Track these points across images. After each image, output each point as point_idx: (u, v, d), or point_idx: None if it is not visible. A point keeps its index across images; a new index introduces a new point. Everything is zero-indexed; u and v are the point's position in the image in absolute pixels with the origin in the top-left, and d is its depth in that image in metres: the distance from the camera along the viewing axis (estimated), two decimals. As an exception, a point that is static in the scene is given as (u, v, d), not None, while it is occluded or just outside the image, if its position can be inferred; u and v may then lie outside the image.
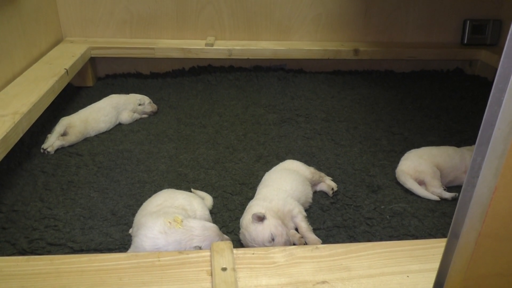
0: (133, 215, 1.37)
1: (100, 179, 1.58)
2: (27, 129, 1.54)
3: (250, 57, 2.49)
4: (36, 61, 2.03)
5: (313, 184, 1.50)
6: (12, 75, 1.83)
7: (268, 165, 1.70)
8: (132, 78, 2.53)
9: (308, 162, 1.71)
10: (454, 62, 2.79)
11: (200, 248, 1.08)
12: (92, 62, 2.45)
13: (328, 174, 1.63)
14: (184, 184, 1.57)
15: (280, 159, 1.74)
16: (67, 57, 2.10)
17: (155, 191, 1.49)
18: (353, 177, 1.63)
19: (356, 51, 2.55)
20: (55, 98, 2.02)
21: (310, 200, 1.43)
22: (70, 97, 2.26)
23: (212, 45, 2.43)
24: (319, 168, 1.68)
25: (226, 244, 0.94)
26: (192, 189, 1.50)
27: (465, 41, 2.72)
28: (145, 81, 2.51)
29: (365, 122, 2.09)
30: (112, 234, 1.30)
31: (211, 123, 2.04)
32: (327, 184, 1.53)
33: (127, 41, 2.46)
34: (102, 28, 2.47)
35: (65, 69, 1.95)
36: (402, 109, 2.26)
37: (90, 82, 2.42)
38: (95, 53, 2.36)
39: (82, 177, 1.58)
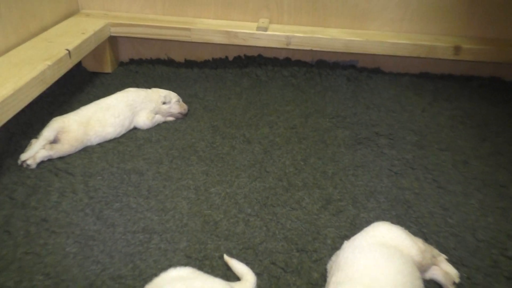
0: (124, 297, 0.84)
1: (87, 219, 1.05)
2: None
3: (313, 48, 1.89)
4: (33, 37, 1.52)
5: (422, 269, 0.91)
6: (-8, 55, 1.33)
7: (341, 216, 1.12)
8: (161, 65, 2.00)
9: (401, 218, 1.12)
10: None
11: None
12: (113, 42, 1.94)
13: (435, 243, 1.04)
14: (212, 241, 1.02)
15: (359, 207, 1.16)
16: (74, 34, 1.59)
17: (165, 252, 0.95)
18: (478, 254, 1.02)
19: (457, 49, 1.89)
20: (57, 87, 1.53)
21: (422, 305, 0.84)
22: (80, 85, 1.75)
23: (265, 29, 1.85)
24: (419, 230, 1.08)
25: None
26: (225, 256, 0.95)
27: None
28: (177, 70, 1.98)
29: (477, 154, 1.45)
30: None
31: (258, 137, 1.47)
32: (443, 270, 0.92)
33: (158, 18, 1.92)
34: (127, 1, 1.94)
35: (66, 49, 1.43)
36: (525, 136, 1.59)
37: (108, 68, 1.91)
38: (116, 31, 1.84)
39: (62, 214, 1.06)
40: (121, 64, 2.02)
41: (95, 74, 1.89)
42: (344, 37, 1.88)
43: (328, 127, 1.57)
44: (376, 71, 2.05)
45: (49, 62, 1.31)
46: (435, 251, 0.96)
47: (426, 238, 1.05)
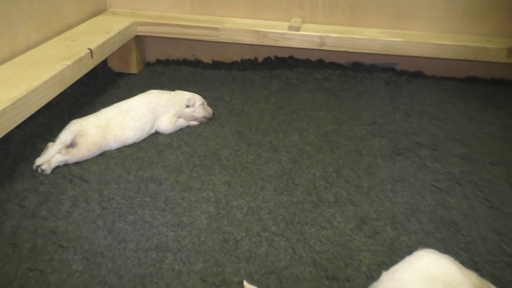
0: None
1: (98, 232, 0.97)
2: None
3: (349, 50, 1.76)
4: (56, 36, 1.47)
5: (476, 310, 0.77)
6: (11, 54, 1.28)
7: (378, 239, 0.99)
8: (187, 66, 1.92)
9: (447, 243, 0.98)
10: None
11: None
12: (140, 42, 1.87)
13: (489, 276, 0.89)
14: (231, 263, 0.91)
15: (398, 228, 1.02)
16: (99, 33, 1.53)
17: (179, 274, 0.86)
18: (543, 291, 0.87)
19: (510, 51, 1.71)
20: (80, 87, 1.48)
21: None
22: (104, 86, 1.69)
23: (298, 29, 1.74)
24: (470, 259, 0.94)
25: None
26: (244, 283, 0.84)
27: None
28: (204, 71, 1.89)
29: (536, 169, 1.28)
30: None
31: (287, 145, 1.36)
32: (503, 312, 0.78)
33: (185, 17, 1.84)
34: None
35: (88, 49, 1.37)
36: None
37: (134, 68, 1.85)
38: (142, 31, 1.77)
39: (72, 225, 0.99)
40: (147, 64, 1.95)
41: (120, 75, 1.83)
42: (383, 38, 1.74)
43: (363, 136, 1.44)
44: (418, 74, 1.89)
45: (68, 62, 1.25)
46: (492, 288, 0.82)
47: (478, 269, 0.91)
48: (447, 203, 1.13)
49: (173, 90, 1.50)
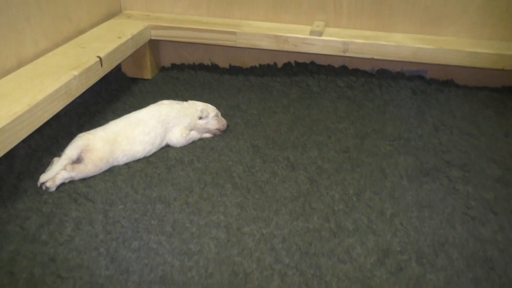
0: None
1: (100, 261, 0.91)
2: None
3: (375, 57, 1.65)
4: (66, 42, 1.42)
5: None
6: (17, 63, 1.23)
7: (401, 276, 0.90)
8: (203, 71, 1.84)
9: (480, 284, 0.88)
10: None
11: None
12: (154, 46, 1.81)
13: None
14: (239, 301, 0.84)
15: (424, 264, 0.93)
16: (110, 39, 1.47)
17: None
18: None
19: (552, 61, 1.57)
20: (91, 95, 1.43)
21: None
22: (116, 93, 1.63)
23: (320, 33, 1.64)
24: (507, 304, 0.84)
25: None
26: (249, 328, 0.77)
27: None
28: (221, 77, 1.81)
29: None
30: None
31: (304, 162, 1.27)
32: None
33: (202, 20, 1.76)
34: (171, 1, 1.80)
35: (98, 56, 1.31)
36: None
37: (148, 74, 1.79)
38: (157, 35, 1.70)
39: (73, 252, 0.93)
40: (163, 69, 1.89)
41: (134, 80, 1.77)
42: (412, 44, 1.62)
43: (387, 152, 1.34)
44: (448, 83, 1.77)
45: (75, 72, 1.19)
46: None
47: (516, 319, 0.81)
48: (480, 235, 1.02)
49: (188, 96, 1.44)
